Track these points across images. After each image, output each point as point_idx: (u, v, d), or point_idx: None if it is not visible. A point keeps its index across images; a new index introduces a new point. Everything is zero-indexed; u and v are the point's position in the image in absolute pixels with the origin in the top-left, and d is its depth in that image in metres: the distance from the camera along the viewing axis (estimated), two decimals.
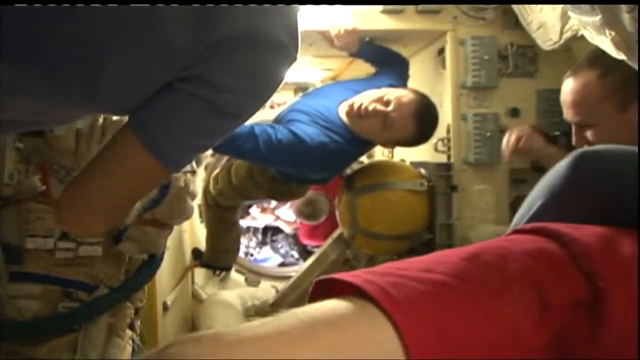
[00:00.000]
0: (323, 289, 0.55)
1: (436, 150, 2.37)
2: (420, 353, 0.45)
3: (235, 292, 3.17)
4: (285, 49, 0.87)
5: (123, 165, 0.84)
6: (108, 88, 0.77)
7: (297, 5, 0.90)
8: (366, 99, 2.01)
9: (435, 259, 0.56)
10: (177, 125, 0.83)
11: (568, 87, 1.58)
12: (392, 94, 2.03)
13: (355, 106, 2.00)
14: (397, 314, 0.47)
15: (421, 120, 2.05)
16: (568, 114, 1.53)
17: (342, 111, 2.08)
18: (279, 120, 2.12)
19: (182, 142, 0.85)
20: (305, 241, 4.27)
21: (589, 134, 1.47)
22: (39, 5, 0.72)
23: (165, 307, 2.25)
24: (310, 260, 3.06)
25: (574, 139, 1.51)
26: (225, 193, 2.66)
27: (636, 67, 1.52)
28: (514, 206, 2.40)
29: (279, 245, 4.61)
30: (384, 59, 2.34)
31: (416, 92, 2.11)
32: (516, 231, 0.65)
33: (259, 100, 0.89)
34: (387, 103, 1.99)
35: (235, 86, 0.83)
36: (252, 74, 0.84)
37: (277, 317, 0.48)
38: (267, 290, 3.28)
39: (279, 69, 0.88)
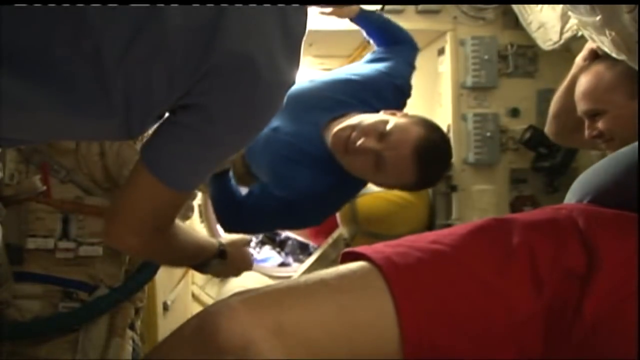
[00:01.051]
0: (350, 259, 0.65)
1: None
2: (411, 318, 0.50)
3: (234, 291, 3.17)
4: (284, 74, 0.88)
5: (141, 190, 0.93)
6: (117, 105, 0.81)
7: (303, 26, 0.91)
8: (358, 128, 1.43)
9: (445, 232, 0.61)
10: (180, 155, 0.89)
11: (580, 82, 1.60)
12: (393, 124, 1.44)
13: (341, 139, 1.44)
14: (394, 279, 0.53)
15: (423, 165, 1.43)
16: (579, 106, 1.54)
17: (327, 137, 1.51)
18: (252, 154, 1.59)
19: (188, 167, 0.91)
20: (306, 240, 4.27)
21: (600, 123, 1.47)
22: (55, 25, 0.75)
23: (165, 307, 2.25)
24: (310, 260, 3.06)
25: (586, 132, 1.51)
26: None
27: (636, 67, 1.52)
28: (514, 206, 2.40)
29: (289, 242, 4.56)
30: (390, 36, 1.83)
31: (425, 122, 1.50)
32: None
33: (255, 128, 0.93)
34: (382, 136, 1.41)
35: (232, 114, 0.86)
36: (250, 102, 0.87)
37: (304, 278, 0.60)
38: None
39: (276, 96, 0.90)
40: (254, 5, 0.84)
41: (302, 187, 1.49)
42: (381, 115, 1.48)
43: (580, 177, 0.78)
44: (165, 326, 2.17)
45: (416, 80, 2.56)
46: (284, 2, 0.88)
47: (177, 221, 1.04)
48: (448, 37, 2.36)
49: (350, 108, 1.54)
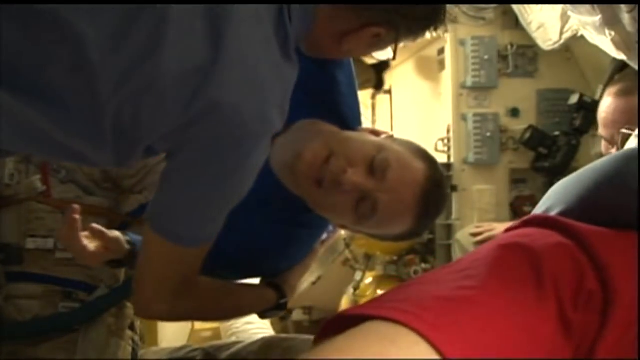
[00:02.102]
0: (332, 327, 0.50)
1: (436, 150, 2.37)
2: None
3: None
4: (272, 123, 0.88)
5: (151, 251, 0.93)
6: (107, 134, 0.83)
7: (294, 74, 0.91)
8: (339, 153, 1.01)
9: (461, 268, 0.54)
10: (176, 207, 0.89)
11: (606, 104, 1.67)
12: (388, 153, 1.03)
13: (315, 165, 1.01)
14: (441, 342, 0.44)
15: (424, 215, 1.06)
16: (600, 129, 1.63)
17: (276, 159, 1.09)
18: None
19: (188, 220, 0.90)
20: None
21: (612, 151, 1.53)
22: (54, 54, 0.78)
23: None
24: None
25: (603, 149, 1.61)
26: None
27: (636, 67, 1.52)
28: (514, 206, 2.40)
29: None
30: None
31: (424, 154, 1.10)
32: (526, 222, 0.64)
33: (245, 173, 0.89)
34: (374, 170, 1.00)
35: (219, 160, 0.85)
36: (236, 150, 0.85)
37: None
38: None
39: (263, 143, 0.88)
40: (252, 54, 0.85)
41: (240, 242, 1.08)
42: (365, 136, 1.07)
43: (555, 187, 0.74)
44: (165, 326, 2.17)
45: (416, 80, 2.56)
46: (284, 3, 0.88)
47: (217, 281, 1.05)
48: (448, 37, 2.36)
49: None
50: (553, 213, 0.70)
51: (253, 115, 0.84)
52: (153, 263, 0.93)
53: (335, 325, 0.49)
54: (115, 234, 1.09)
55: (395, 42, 1.00)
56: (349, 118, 1.16)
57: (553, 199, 0.71)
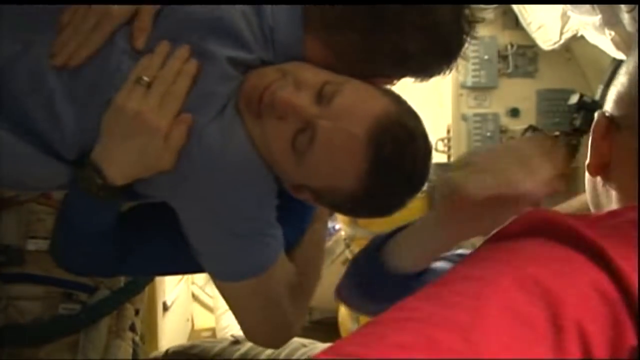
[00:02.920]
0: None
1: (436, 150, 2.37)
2: None
3: None
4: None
5: (234, 298, 0.93)
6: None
7: None
8: (287, 77, 0.82)
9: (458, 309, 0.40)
10: (203, 249, 0.87)
11: None
12: (345, 84, 0.82)
13: (256, 89, 0.82)
14: None
15: (378, 161, 0.79)
16: None
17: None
18: None
19: (222, 257, 0.88)
20: None
21: None
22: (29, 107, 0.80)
23: (165, 307, 2.25)
24: None
25: None
26: None
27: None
28: None
29: None
30: None
31: (397, 97, 0.89)
32: (528, 225, 0.50)
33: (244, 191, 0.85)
34: (321, 97, 0.81)
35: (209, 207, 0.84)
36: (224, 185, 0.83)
37: None
38: None
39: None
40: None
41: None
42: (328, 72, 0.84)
43: None
44: (165, 326, 2.17)
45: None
46: (283, 3, 0.87)
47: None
48: None
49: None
50: None
51: (237, 165, 0.83)
52: (241, 306, 0.92)
53: None
54: None
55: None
56: None
57: None
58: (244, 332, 0.97)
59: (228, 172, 0.81)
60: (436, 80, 1.00)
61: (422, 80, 0.91)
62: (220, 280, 0.90)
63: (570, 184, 0.94)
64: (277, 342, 1.00)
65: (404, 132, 0.81)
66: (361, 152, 0.78)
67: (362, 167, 0.79)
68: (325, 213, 1.06)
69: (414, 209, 2.57)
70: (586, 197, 0.74)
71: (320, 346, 1.42)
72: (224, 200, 0.82)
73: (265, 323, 0.92)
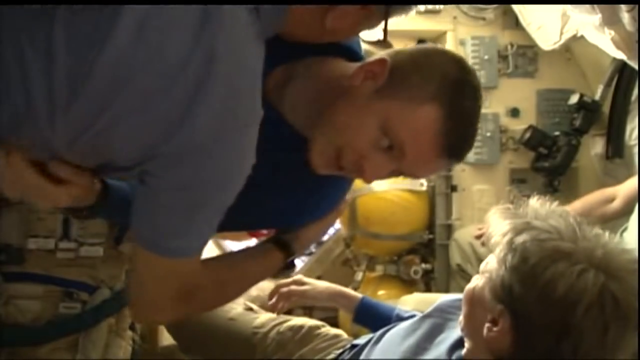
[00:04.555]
0: None
1: None
2: None
3: None
4: (245, 152, 0.80)
5: (141, 266, 0.86)
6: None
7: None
8: (346, 146, 0.93)
9: None
10: (158, 218, 0.81)
11: None
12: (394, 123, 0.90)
13: (329, 165, 0.95)
14: None
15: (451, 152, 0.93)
16: None
17: None
18: None
19: (173, 229, 0.82)
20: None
21: None
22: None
23: None
24: (310, 261, 3.05)
25: None
26: None
27: (636, 67, 1.52)
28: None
29: None
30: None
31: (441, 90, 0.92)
32: None
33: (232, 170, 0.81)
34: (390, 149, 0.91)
35: (199, 178, 0.78)
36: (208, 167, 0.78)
37: None
38: (270, 286, 3.27)
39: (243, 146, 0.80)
40: (223, 96, 0.75)
41: None
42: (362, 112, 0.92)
43: None
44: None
45: None
46: (282, 3, 0.86)
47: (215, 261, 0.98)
48: (448, 37, 2.37)
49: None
50: None
51: (220, 151, 0.77)
52: (146, 278, 0.86)
53: None
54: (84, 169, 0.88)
55: (385, 17, 0.87)
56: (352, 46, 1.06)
57: None
58: (133, 295, 0.90)
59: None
60: None
61: (406, 11, 0.89)
62: (149, 250, 0.82)
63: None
64: (145, 319, 0.98)
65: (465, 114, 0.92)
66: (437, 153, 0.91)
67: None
68: (276, 259, 1.05)
69: (414, 208, 2.58)
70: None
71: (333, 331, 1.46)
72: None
73: (153, 302, 0.87)
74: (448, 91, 0.90)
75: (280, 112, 0.99)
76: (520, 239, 0.88)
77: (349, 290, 1.46)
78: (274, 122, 0.89)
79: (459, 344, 1.00)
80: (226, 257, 1.11)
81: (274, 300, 1.41)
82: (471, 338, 0.97)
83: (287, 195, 1.04)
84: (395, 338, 1.14)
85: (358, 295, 1.42)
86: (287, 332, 1.44)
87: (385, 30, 0.90)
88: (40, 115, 0.75)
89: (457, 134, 0.91)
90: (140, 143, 0.77)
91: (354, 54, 1.04)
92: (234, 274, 1.01)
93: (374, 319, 1.34)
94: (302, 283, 1.43)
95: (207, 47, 0.73)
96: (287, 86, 1.00)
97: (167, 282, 0.85)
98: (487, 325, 0.91)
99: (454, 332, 1.04)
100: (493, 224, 0.93)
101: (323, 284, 1.46)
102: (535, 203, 0.94)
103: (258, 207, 0.99)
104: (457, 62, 0.94)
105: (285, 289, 1.41)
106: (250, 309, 1.53)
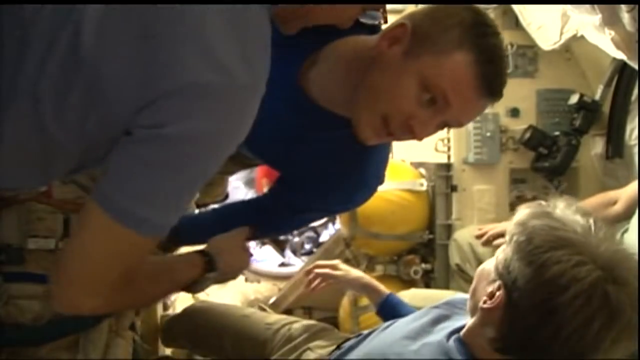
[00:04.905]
0: None
1: (436, 150, 2.37)
2: None
3: (235, 289, 3.16)
4: (249, 89, 0.75)
5: (94, 237, 0.76)
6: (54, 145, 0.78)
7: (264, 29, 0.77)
8: (390, 113, 1.01)
9: None
10: (141, 186, 0.74)
11: None
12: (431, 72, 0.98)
13: (379, 134, 1.04)
14: None
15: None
16: None
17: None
18: None
19: (152, 201, 0.74)
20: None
21: None
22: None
23: (165, 307, 2.25)
24: (310, 261, 3.06)
25: None
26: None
27: (636, 67, 1.52)
28: (514, 206, 2.39)
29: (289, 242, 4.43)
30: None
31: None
32: None
33: (225, 139, 0.76)
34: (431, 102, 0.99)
35: (190, 134, 0.72)
36: (215, 119, 0.73)
37: None
38: (270, 288, 3.27)
39: (243, 106, 0.76)
40: (210, 29, 0.72)
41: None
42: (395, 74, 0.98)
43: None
44: None
45: None
46: (282, 2, 0.86)
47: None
48: None
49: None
50: None
51: (222, 88, 0.73)
52: (94, 252, 0.76)
53: None
54: None
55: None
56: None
57: None
58: (60, 269, 0.80)
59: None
60: None
61: None
62: (116, 219, 0.74)
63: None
64: (68, 304, 0.82)
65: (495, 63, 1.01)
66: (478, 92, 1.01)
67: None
68: (197, 267, 1.04)
69: (414, 208, 2.58)
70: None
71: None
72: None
73: (88, 281, 0.78)
74: (470, 35, 0.96)
75: (312, 99, 1.05)
76: (534, 222, 0.91)
77: (378, 284, 1.54)
78: (308, 110, 0.97)
79: (460, 330, 1.03)
80: (158, 256, 1.13)
81: (310, 276, 1.54)
82: (472, 314, 1.00)
83: (342, 170, 1.14)
84: (400, 324, 1.18)
85: (386, 290, 1.51)
86: (298, 329, 1.54)
87: (385, 18, 1.00)
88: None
89: (491, 71, 0.98)
90: (136, 80, 0.72)
91: (370, 27, 1.09)
92: (162, 274, 0.98)
93: (394, 315, 1.39)
94: (338, 268, 1.55)
95: None
96: (313, 73, 1.05)
97: (115, 261, 0.77)
98: (484, 298, 0.94)
99: (458, 322, 1.06)
100: (518, 212, 0.96)
101: (356, 273, 1.58)
102: (565, 200, 0.96)
103: (317, 191, 1.15)
104: (468, 7, 1.01)
105: (322, 270, 1.54)
106: (264, 310, 1.63)
